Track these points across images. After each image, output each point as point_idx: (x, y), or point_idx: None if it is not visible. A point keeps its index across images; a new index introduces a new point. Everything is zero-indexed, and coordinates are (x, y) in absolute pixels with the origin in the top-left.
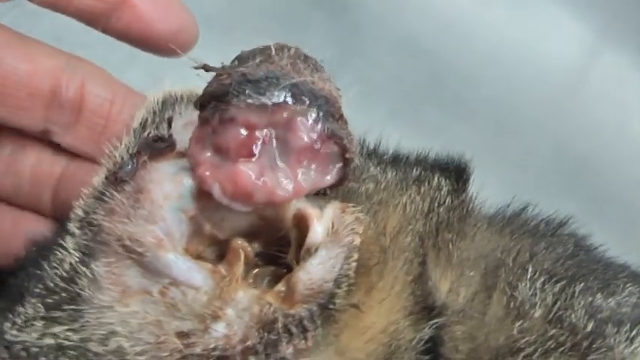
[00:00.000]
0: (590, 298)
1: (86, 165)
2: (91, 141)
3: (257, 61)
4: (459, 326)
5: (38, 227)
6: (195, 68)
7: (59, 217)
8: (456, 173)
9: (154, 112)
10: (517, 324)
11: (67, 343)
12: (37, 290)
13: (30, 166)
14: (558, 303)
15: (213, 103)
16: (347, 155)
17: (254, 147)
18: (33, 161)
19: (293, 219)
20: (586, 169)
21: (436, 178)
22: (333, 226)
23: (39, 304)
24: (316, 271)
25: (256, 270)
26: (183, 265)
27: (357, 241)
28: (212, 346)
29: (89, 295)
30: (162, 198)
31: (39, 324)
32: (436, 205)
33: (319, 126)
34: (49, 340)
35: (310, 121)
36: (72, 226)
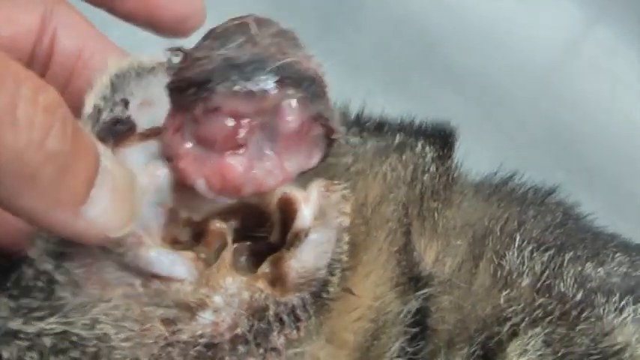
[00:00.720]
0: (580, 267)
1: None
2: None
3: (238, 42)
4: (446, 296)
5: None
6: (169, 50)
7: None
8: (441, 139)
9: (105, 97)
10: (504, 293)
11: (49, 331)
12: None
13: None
14: (547, 272)
15: (193, 89)
16: (332, 136)
17: (241, 138)
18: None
19: (278, 202)
20: (575, 140)
21: (419, 145)
22: (320, 208)
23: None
24: (308, 258)
25: (234, 246)
26: (166, 259)
27: (347, 221)
28: (199, 333)
29: (70, 298)
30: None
31: (19, 320)
32: (420, 172)
33: (306, 109)
34: (29, 329)
35: (298, 105)
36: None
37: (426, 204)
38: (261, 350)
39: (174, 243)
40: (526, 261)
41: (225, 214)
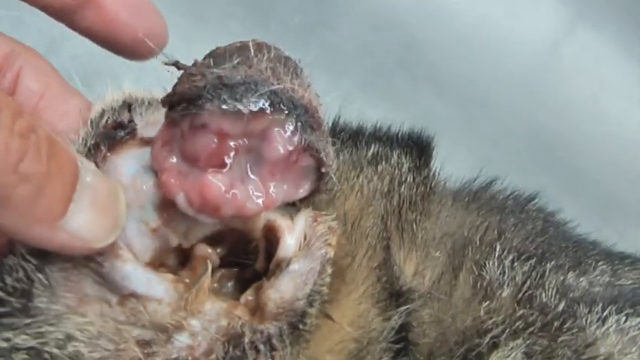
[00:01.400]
0: (562, 277)
1: None
2: None
3: (234, 62)
4: (427, 310)
5: None
6: (166, 64)
7: None
8: (418, 149)
9: (112, 107)
10: (484, 304)
11: (21, 345)
12: None
13: None
14: (528, 282)
15: (184, 104)
16: (323, 169)
17: (225, 157)
18: None
19: (262, 229)
20: (558, 145)
21: (395, 155)
22: (305, 238)
23: None
24: (287, 288)
25: (221, 272)
26: (143, 277)
27: (331, 253)
28: (174, 356)
29: (44, 305)
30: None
31: None
32: (396, 183)
33: (296, 138)
34: (4, 344)
35: (287, 133)
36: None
37: (404, 215)
38: None
39: (161, 267)
40: (507, 271)
41: (213, 241)
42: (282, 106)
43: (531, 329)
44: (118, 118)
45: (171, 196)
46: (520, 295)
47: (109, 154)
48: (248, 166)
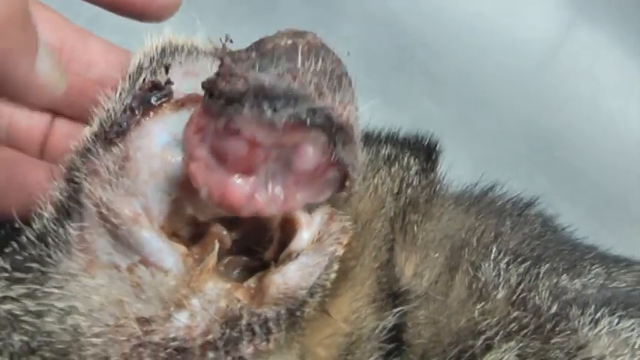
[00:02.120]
0: (556, 280)
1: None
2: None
3: (280, 69)
4: (422, 311)
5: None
6: (216, 56)
7: None
8: (426, 152)
9: (151, 57)
10: (479, 306)
11: (23, 315)
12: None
13: (6, 125)
14: (522, 284)
15: (222, 101)
16: (347, 183)
17: (253, 164)
18: (7, 120)
19: (281, 220)
20: (557, 145)
21: (406, 158)
22: (319, 233)
23: (6, 261)
24: (293, 276)
25: (229, 258)
26: (157, 244)
27: (340, 251)
28: (172, 335)
29: (57, 259)
30: (148, 174)
31: (2, 283)
32: (405, 185)
33: (325, 154)
34: (8, 305)
35: (319, 149)
36: (55, 183)
37: (408, 217)
38: (229, 358)
39: (174, 236)
40: (502, 273)
41: (229, 223)
42: (318, 122)
43: (525, 331)
44: (155, 78)
45: (196, 185)
46: (514, 297)
47: (142, 119)
48: (275, 171)
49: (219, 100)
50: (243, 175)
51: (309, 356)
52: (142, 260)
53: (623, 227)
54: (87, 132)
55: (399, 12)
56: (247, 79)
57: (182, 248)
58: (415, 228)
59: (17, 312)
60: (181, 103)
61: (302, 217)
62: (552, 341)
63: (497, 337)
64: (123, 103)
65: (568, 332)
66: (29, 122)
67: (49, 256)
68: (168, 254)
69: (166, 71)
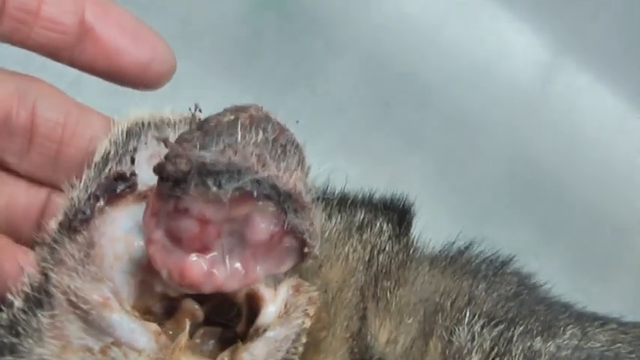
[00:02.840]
0: (529, 342)
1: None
2: (47, 167)
3: (221, 145)
4: None
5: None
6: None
7: None
8: (399, 215)
9: (117, 144)
10: None
11: None
12: None
13: (4, 203)
14: (496, 348)
15: (171, 183)
16: (305, 250)
17: (207, 241)
18: (6, 198)
19: (245, 296)
20: (538, 195)
21: (378, 224)
22: (285, 306)
23: None
24: (260, 353)
25: (203, 329)
26: (127, 326)
27: (308, 323)
28: None
29: (29, 347)
30: (112, 258)
31: None
32: (376, 252)
33: (279, 222)
34: None
35: (270, 218)
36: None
37: (380, 284)
38: None
39: (147, 313)
40: (476, 337)
41: (200, 297)
42: (265, 193)
43: None
44: (120, 169)
45: (156, 267)
46: None
47: (107, 207)
48: (231, 246)
49: (167, 183)
50: (200, 253)
51: None
52: (115, 342)
53: (601, 274)
54: (52, 223)
55: (378, 67)
56: (190, 159)
57: (154, 327)
58: (388, 294)
59: None
60: (144, 196)
61: (265, 292)
62: None
63: None
64: (87, 192)
65: None
66: (27, 199)
67: (21, 346)
68: (141, 334)
69: (132, 162)
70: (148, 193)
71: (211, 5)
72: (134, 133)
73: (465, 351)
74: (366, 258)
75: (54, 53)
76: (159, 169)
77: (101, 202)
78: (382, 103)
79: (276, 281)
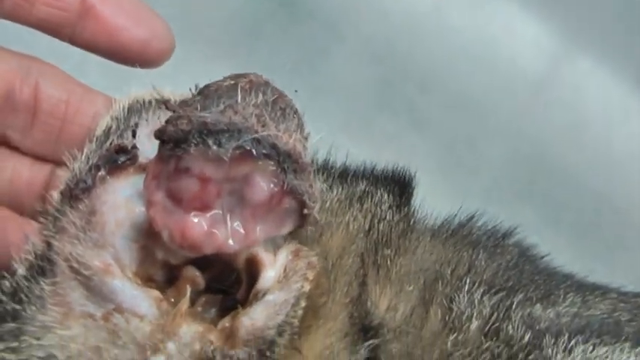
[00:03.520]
0: (529, 309)
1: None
2: (50, 144)
3: (221, 107)
4: (395, 344)
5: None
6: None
7: None
8: (400, 187)
9: (119, 119)
10: (451, 337)
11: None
12: None
13: (8, 177)
14: (495, 315)
15: (171, 145)
16: (305, 211)
17: (208, 200)
18: (10, 172)
19: (245, 262)
20: (541, 175)
21: (379, 193)
22: (284, 271)
23: None
24: (260, 317)
25: (205, 297)
26: (129, 292)
27: (307, 287)
28: None
29: (32, 314)
30: (114, 224)
31: None
32: (376, 221)
33: (279, 182)
34: None
35: (270, 178)
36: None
37: (381, 252)
38: None
39: (149, 281)
40: (475, 304)
41: (201, 264)
42: (264, 152)
43: None
44: (122, 142)
45: (157, 229)
46: (487, 328)
47: (108, 177)
48: (231, 206)
49: (168, 145)
50: (200, 212)
51: None
52: (117, 308)
53: (605, 254)
54: (54, 194)
55: (381, 47)
56: (191, 119)
57: (156, 293)
58: (388, 262)
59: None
60: (144, 168)
61: (265, 257)
62: None
63: None
64: (88, 163)
65: None
66: (30, 174)
67: (24, 312)
68: (142, 300)
69: (133, 135)
70: (148, 165)
71: None
72: (135, 109)
73: (465, 317)
74: (367, 226)
75: (55, 31)
76: (160, 133)
77: (102, 172)
78: (385, 84)
79: (275, 247)
